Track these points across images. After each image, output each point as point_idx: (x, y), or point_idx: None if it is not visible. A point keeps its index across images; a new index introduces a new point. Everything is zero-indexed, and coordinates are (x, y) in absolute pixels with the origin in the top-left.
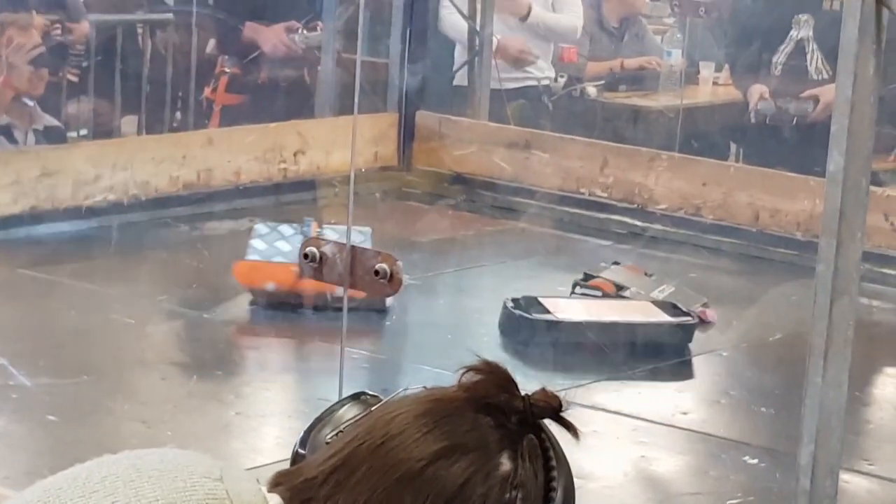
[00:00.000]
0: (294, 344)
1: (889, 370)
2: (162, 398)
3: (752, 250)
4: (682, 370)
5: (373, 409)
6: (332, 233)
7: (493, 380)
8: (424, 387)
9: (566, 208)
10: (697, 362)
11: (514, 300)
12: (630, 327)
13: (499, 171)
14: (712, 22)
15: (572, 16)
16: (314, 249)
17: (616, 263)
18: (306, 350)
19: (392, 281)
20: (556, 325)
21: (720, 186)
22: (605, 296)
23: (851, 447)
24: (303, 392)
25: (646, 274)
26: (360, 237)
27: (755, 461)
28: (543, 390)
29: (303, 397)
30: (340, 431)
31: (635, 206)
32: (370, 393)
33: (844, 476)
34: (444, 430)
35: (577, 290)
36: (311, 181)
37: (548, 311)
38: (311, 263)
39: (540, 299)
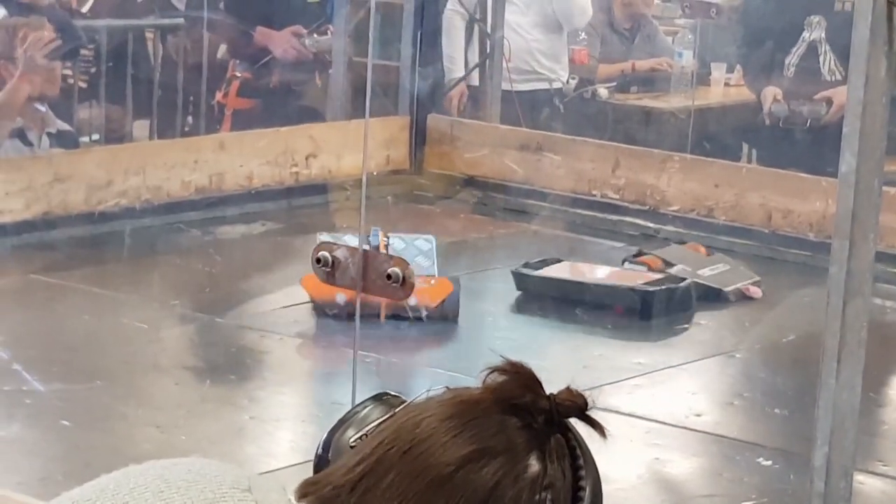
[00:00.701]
0: (308, 348)
1: None
2: (175, 403)
3: (764, 251)
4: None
5: (397, 410)
6: (399, 241)
7: (518, 380)
8: (447, 388)
9: (578, 210)
10: (710, 364)
11: (535, 261)
12: (588, 287)
13: (510, 174)
14: (723, 23)
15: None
16: (326, 254)
17: (681, 243)
18: (321, 354)
19: (404, 285)
20: (535, 279)
21: (732, 188)
22: (631, 267)
23: (866, 448)
24: (317, 396)
25: (706, 254)
26: (427, 245)
27: (769, 463)
28: (568, 389)
29: (317, 401)
30: (365, 435)
31: (647, 207)
32: (392, 393)
33: (859, 477)
34: (471, 433)
35: (626, 264)
36: (323, 185)
37: (539, 269)
38: (323, 268)
39: (551, 261)
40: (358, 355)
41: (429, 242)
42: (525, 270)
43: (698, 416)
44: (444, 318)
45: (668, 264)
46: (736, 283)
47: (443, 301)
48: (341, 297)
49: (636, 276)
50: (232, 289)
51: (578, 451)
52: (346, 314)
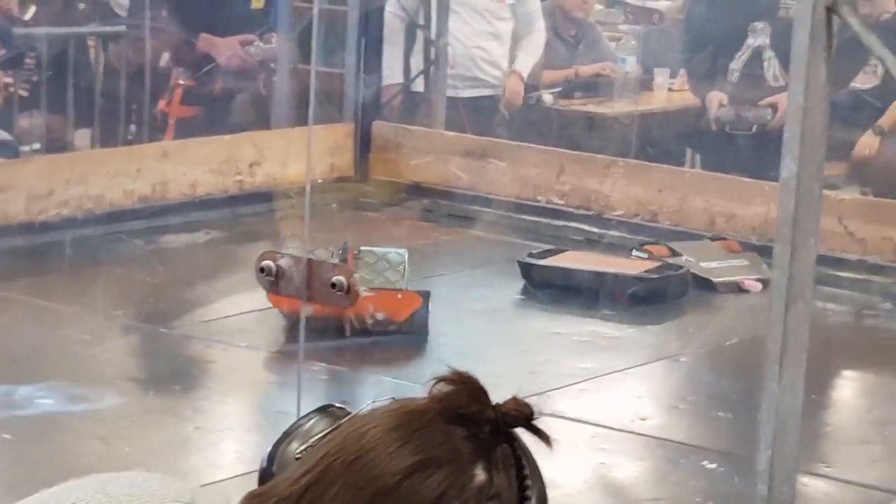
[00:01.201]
0: (254, 357)
1: (845, 373)
2: (119, 414)
3: None
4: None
5: (342, 422)
6: (371, 254)
7: (465, 390)
8: (393, 398)
9: (523, 216)
10: (655, 368)
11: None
12: (585, 274)
13: (455, 180)
14: (667, 29)
15: (539, 34)
16: (270, 263)
17: (715, 239)
18: (265, 364)
19: (349, 293)
20: (539, 268)
21: (676, 192)
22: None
23: (809, 450)
24: (262, 406)
25: (738, 250)
26: (398, 258)
27: (714, 466)
28: (514, 399)
29: (262, 411)
30: (310, 446)
31: (592, 212)
32: (338, 405)
33: (802, 479)
34: (417, 443)
35: (633, 252)
36: (268, 193)
37: (543, 259)
38: (267, 277)
39: (556, 251)
40: (304, 365)
41: (400, 256)
42: (530, 260)
43: (644, 420)
44: (412, 332)
45: (675, 254)
46: (737, 276)
47: (411, 315)
48: (308, 310)
49: (637, 265)
50: (176, 298)
51: (524, 461)
52: (311, 326)
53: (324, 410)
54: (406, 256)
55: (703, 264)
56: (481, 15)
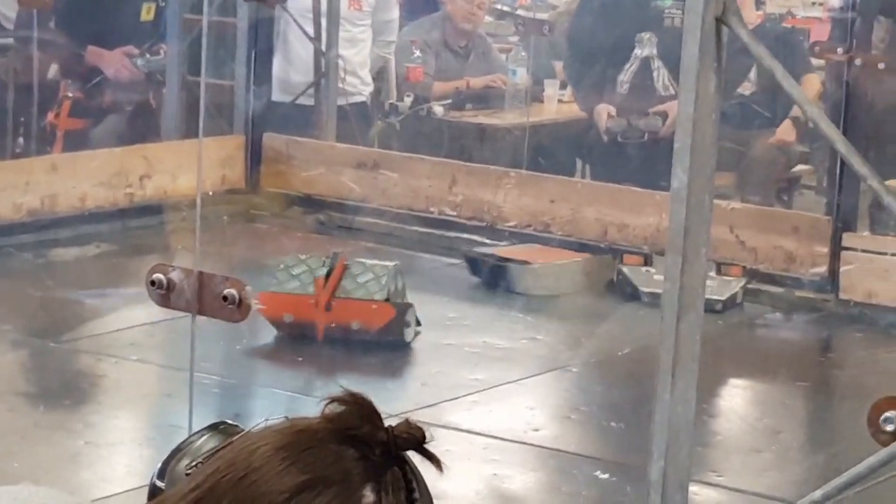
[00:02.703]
0: (144, 370)
1: (734, 381)
2: (8, 429)
3: None
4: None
5: (233, 439)
6: (359, 265)
7: (357, 411)
8: (286, 417)
9: (416, 228)
10: (547, 379)
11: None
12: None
13: (347, 192)
14: (556, 40)
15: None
16: (161, 276)
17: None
18: (156, 376)
19: (241, 306)
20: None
21: (568, 202)
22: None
23: (700, 459)
24: (153, 419)
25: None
26: (383, 270)
27: (606, 476)
28: (407, 422)
29: (153, 424)
30: (200, 463)
31: (484, 223)
32: (229, 422)
33: (693, 488)
34: (306, 462)
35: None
36: (159, 205)
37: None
38: (157, 290)
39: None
40: (196, 377)
41: (385, 269)
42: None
43: (536, 430)
44: (387, 341)
45: (648, 262)
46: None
47: (386, 325)
48: (289, 316)
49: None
50: (66, 312)
51: (414, 484)
52: (296, 332)
53: (215, 427)
54: (391, 269)
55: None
56: (340, 24)
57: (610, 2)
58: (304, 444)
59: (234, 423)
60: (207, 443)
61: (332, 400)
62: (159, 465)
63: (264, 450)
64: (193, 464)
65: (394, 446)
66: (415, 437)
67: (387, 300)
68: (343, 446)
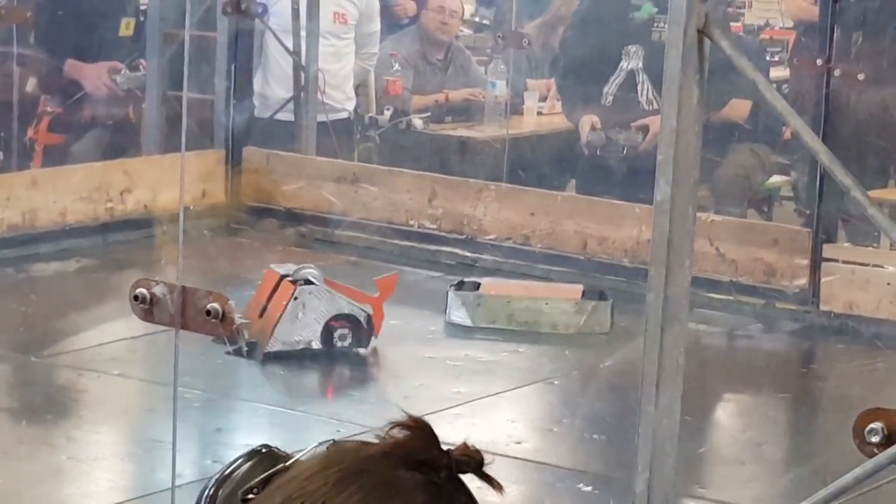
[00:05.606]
0: (126, 385)
1: (718, 394)
2: None
3: (580, 278)
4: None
5: (288, 464)
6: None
7: (421, 435)
8: (334, 441)
9: (396, 241)
10: (529, 391)
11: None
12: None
13: (328, 206)
14: (537, 53)
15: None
16: (144, 291)
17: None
18: (138, 391)
19: (224, 321)
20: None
21: (548, 215)
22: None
23: (685, 472)
24: (136, 434)
25: None
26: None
27: (590, 489)
28: (465, 445)
29: (135, 439)
30: (255, 491)
31: (464, 236)
32: (272, 447)
33: (678, 501)
34: (380, 491)
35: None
36: (140, 220)
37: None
38: (141, 305)
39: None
40: (178, 392)
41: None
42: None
43: (519, 443)
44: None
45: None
46: None
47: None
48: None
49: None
50: (47, 327)
51: None
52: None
53: (258, 453)
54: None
55: None
56: (324, 37)
57: (600, 14)
58: (375, 472)
59: (275, 447)
60: (254, 469)
61: (396, 425)
62: (201, 495)
63: (336, 478)
64: (247, 491)
65: (455, 470)
66: (475, 461)
67: None
68: (411, 472)
